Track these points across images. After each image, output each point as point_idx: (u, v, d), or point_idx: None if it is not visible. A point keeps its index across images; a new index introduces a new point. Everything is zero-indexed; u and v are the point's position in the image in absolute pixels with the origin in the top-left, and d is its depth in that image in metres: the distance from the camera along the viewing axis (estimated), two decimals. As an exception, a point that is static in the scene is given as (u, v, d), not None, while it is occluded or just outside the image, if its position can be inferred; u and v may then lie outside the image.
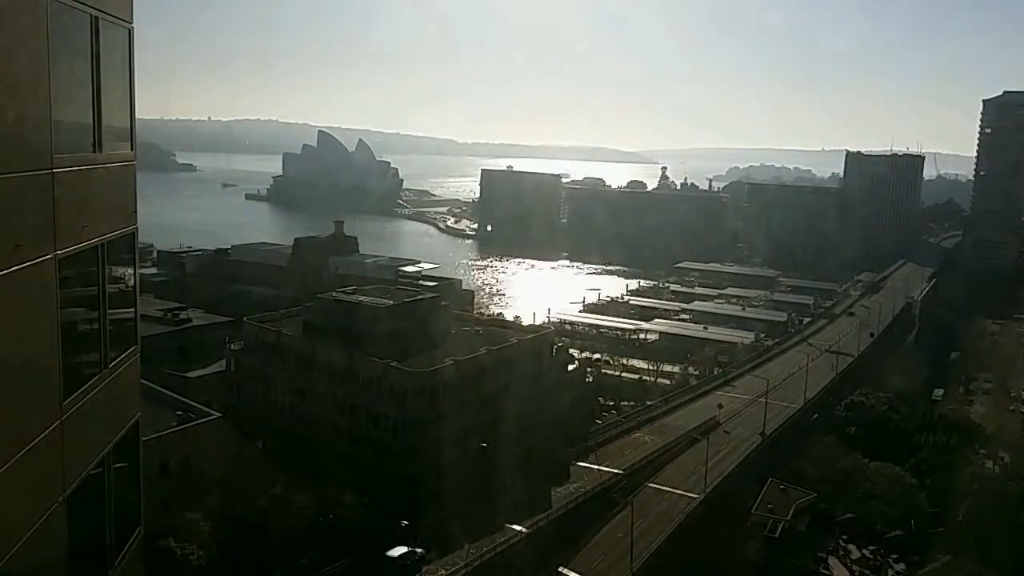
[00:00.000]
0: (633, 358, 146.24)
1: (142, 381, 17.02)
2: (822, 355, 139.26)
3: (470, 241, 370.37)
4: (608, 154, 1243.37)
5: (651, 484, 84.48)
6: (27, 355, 11.14)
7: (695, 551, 74.02)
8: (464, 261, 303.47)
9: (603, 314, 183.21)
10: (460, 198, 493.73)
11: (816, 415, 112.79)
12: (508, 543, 68.32)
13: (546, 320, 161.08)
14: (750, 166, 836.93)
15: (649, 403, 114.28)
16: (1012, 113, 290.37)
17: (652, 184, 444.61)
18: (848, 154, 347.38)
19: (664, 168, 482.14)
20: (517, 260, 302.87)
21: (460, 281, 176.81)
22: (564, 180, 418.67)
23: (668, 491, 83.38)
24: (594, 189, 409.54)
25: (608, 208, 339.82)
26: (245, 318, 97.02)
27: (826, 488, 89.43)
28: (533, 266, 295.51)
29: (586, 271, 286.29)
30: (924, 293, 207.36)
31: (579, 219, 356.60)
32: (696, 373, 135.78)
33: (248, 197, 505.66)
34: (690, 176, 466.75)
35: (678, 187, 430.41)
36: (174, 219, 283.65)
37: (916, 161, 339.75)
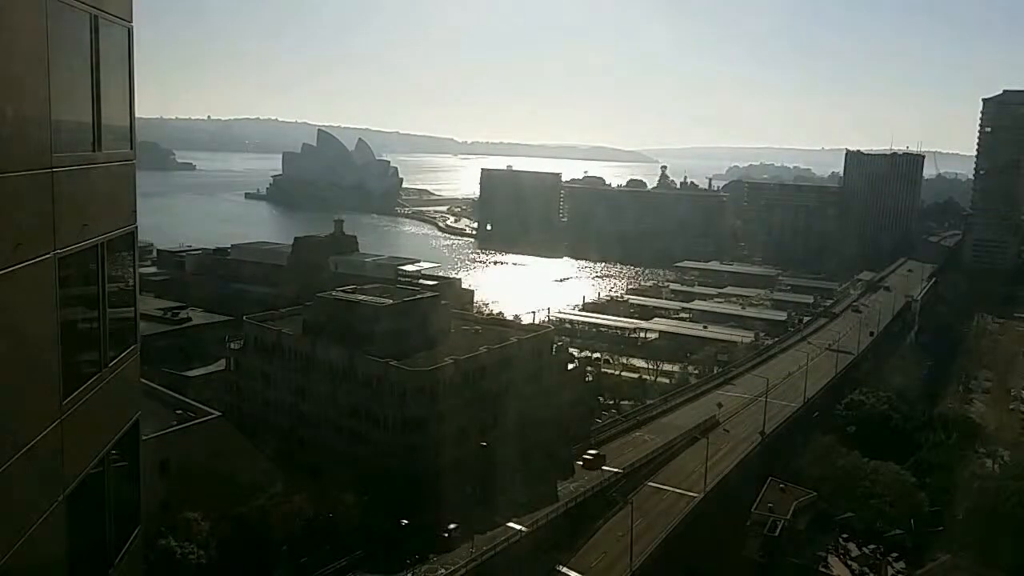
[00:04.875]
0: (633, 357, 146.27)
1: (142, 380, 17.00)
2: (822, 354, 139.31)
3: (470, 240, 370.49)
4: (608, 153, 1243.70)
5: (651, 483, 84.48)
6: (27, 354, 11.12)
7: (695, 550, 73.97)
8: (463, 260, 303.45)
9: (603, 313, 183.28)
10: (460, 197, 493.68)
11: (816, 414, 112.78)
12: (508, 542, 68.40)
13: (546, 319, 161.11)
14: (750, 165, 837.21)
15: (649, 402, 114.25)
16: (1012, 112, 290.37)
17: (652, 183, 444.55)
18: (848, 153, 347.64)
19: (664, 167, 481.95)
20: (517, 258, 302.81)
21: (460, 280, 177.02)
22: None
23: (668, 490, 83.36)
24: (594, 188, 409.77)
25: (608, 207, 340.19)
26: (245, 317, 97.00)
27: (826, 487, 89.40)
28: (533, 265, 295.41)
29: (588, 271, 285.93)
30: (924, 292, 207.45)
31: (579, 218, 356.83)
32: (696, 372, 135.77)
33: (248, 196, 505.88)
34: (690, 175, 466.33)
35: (678, 186, 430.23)
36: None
37: (916, 160, 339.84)
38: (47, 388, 11.64)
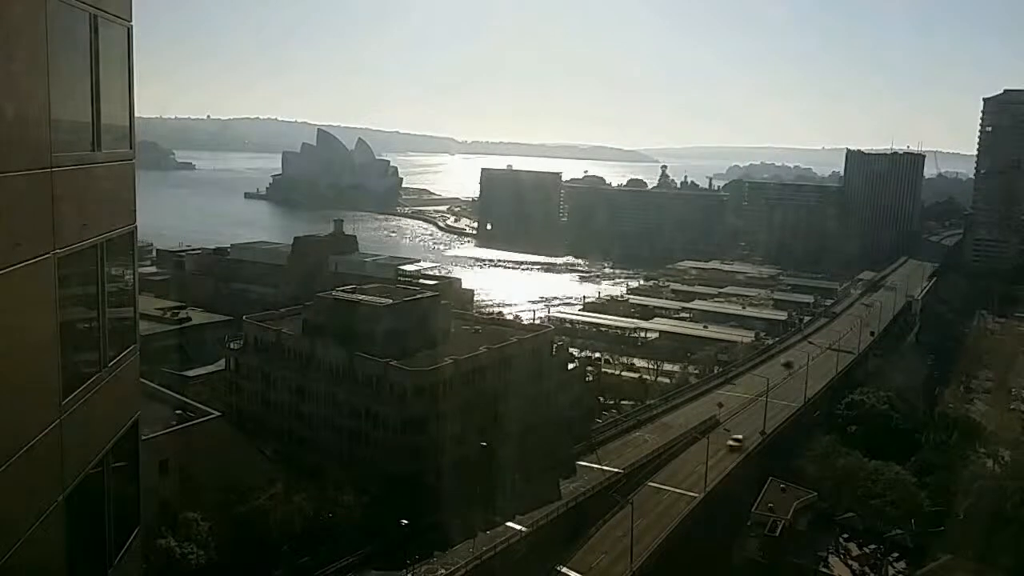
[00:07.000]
0: (633, 357, 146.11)
1: (142, 380, 16.96)
2: (823, 353, 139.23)
3: (470, 240, 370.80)
4: (608, 153, 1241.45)
5: (651, 483, 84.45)
6: (26, 354, 11.10)
7: (695, 550, 73.97)
8: (463, 260, 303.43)
9: (603, 313, 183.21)
10: (460, 196, 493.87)
11: (817, 413, 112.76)
12: (508, 542, 68.39)
13: (546, 319, 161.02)
14: (750, 164, 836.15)
15: (649, 402, 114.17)
16: (1013, 111, 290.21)
17: (652, 183, 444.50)
18: (849, 152, 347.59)
19: (664, 167, 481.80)
20: (517, 258, 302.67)
21: (460, 280, 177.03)
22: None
23: (668, 490, 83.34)
24: (594, 188, 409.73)
25: (608, 207, 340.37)
26: (244, 317, 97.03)
27: (826, 487, 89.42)
28: (533, 264, 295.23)
29: (591, 272, 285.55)
30: (925, 291, 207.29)
31: (579, 218, 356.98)
32: (696, 372, 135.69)
33: (248, 196, 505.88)
34: (690, 175, 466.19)
35: (678, 186, 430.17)
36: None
37: (917, 159, 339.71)
38: (46, 388, 11.61)
